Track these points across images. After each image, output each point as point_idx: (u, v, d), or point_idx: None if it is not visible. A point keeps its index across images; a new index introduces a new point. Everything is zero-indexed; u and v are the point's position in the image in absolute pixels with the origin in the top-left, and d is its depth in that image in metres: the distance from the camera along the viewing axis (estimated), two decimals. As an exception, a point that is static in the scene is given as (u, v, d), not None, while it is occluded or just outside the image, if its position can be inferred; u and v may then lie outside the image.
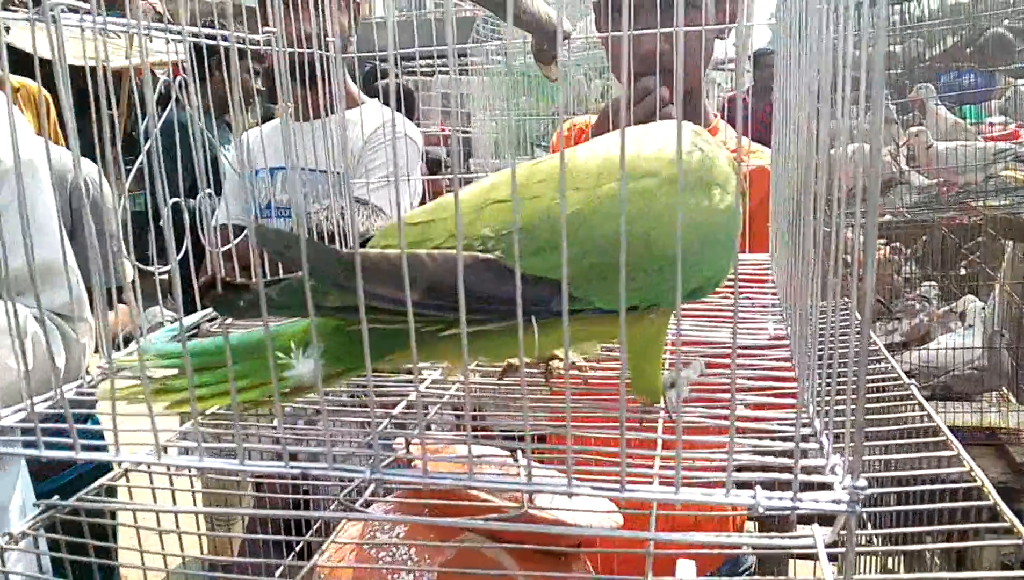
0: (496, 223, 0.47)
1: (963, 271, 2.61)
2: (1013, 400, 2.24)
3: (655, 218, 0.49)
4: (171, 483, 0.58)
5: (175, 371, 0.47)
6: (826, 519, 0.40)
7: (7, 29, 0.50)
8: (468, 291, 0.39)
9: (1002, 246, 2.46)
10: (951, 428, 1.89)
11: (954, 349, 2.21)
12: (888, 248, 2.85)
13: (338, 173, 2.10)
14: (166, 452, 0.46)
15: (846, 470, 0.36)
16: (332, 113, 1.99)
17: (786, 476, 0.36)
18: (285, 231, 0.39)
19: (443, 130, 3.66)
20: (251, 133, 2.02)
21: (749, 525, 1.45)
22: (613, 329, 0.52)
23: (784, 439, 0.43)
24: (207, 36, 0.74)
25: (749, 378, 0.56)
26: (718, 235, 0.52)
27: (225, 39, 0.85)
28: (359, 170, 2.04)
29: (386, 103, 2.14)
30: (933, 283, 2.46)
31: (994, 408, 2.15)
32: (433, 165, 3.35)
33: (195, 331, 0.65)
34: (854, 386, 0.34)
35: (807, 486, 0.37)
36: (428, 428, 0.74)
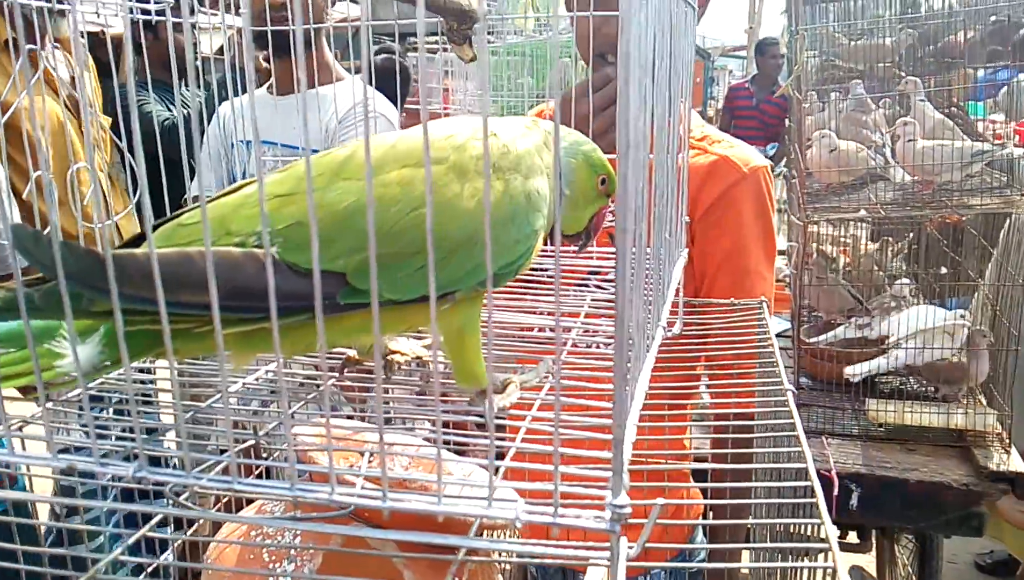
0: (272, 218, 0.45)
1: (943, 270, 2.58)
2: (983, 402, 2.22)
3: (440, 204, 0.48)
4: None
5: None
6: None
7: None
8: (243, 287, 0.38)
9: (983, 245, 2.44)
10: (919, 428, 1.88)
11: (931, 349, 2.19)
12: (870, 243, 2.82)
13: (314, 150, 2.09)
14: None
15: (611, 487, 0.34)
16: (310, 88, 1.97)
17: (547, 486, 0.35)
18: (44, 234, 0.38)
19: (445, 108, 3.66)
20: (226, 105, 2.02)
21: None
22: (410, 318, 0.51)
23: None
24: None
25: (572, 378, 0.55)
26: (514, 219, 0.51)
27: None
28: (332, 148, 2.03)
29: (373, 82, 2.12)
30: (907, 281, 2.43)
31: (961, 410, 2.13)
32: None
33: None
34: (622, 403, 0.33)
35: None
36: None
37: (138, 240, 0.50)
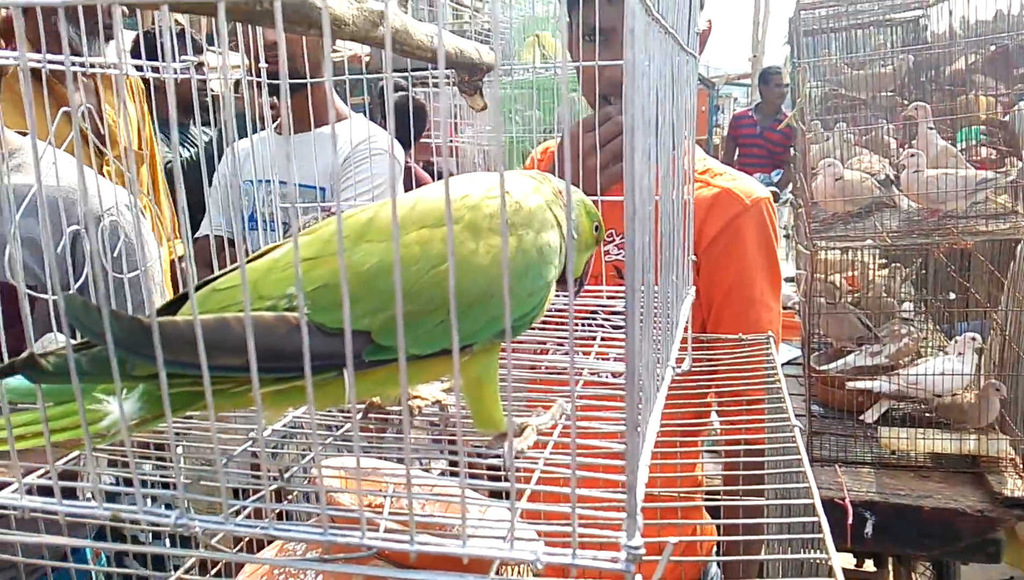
0: (301, 281, 0.48)
1: (952, 296, 2.59)
2: (996, 427, 2.22)
3: (457, 262, 0.51)
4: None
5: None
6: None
7: None
8: (276, 349, 0.41)
9: (990, 271, 2.44)
10: (932, 455, 1.89)
11: (942, 375, 2.19)
12: (879, 269, 2.84)
13: (321, 189, 2.11)
14: None
15: (625, 528, 0.36)
16: (317, 127, 2.01)
17: (564, 527, 0.37)
18: (94, 305, 0.41)
19: (454, 140, 3.71)
20: (241, 143, 2.06)
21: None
22: (432, 370, 0.53)
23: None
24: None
25: (585, 418, 0.57)
26: (527, 273, 0.53)
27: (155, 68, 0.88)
28: (341, 185, 2.06)
29: (392, 122, 2.15)
30: (909, 305, 2.44)
31: (974, 436, 2.13)
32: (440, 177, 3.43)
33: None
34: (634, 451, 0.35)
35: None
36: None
37: (174, 303, 0.52)
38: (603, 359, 0.78)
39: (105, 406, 0.45)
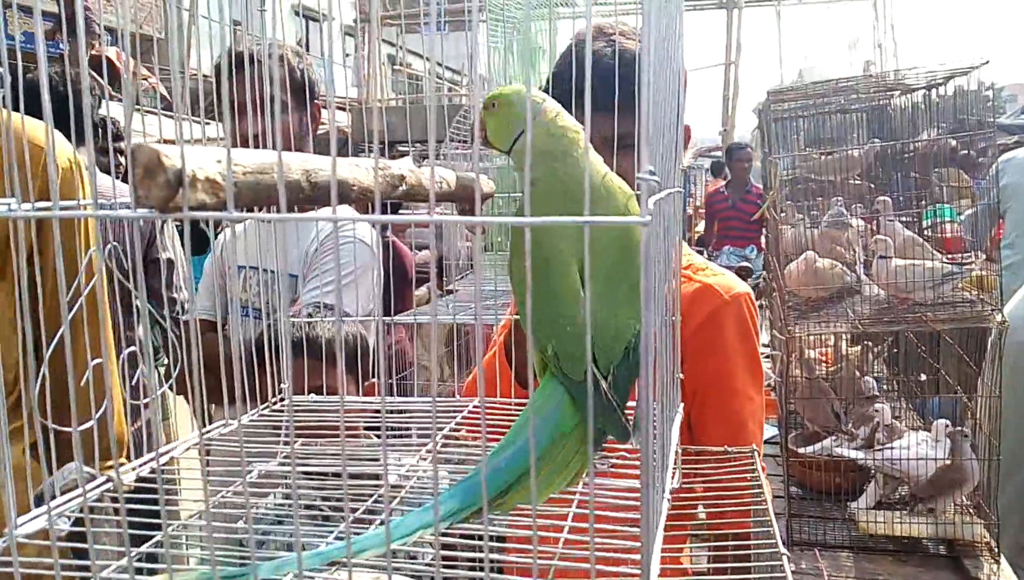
0: None
1: (923, 376, 2.66)
2: (971, 513, 2.25)
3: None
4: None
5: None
6: None
7: None
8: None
9: (958, 354, 2.50)
10: (909, 539, 1.89)
11: (920, 460, 2.21)
12: (851, 346, 2.90)
13: (293, 276, 2.07)
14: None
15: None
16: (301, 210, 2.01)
17: None
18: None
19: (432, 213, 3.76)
20: (227, 232, 2.05)
21: None
22: None
23: None
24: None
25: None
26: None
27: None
28: (311, 272, 2.01)
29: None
30: (877, 384, 2.52)
31: (949, 520, 2.16)
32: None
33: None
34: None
35: None
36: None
37: None
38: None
39: None
